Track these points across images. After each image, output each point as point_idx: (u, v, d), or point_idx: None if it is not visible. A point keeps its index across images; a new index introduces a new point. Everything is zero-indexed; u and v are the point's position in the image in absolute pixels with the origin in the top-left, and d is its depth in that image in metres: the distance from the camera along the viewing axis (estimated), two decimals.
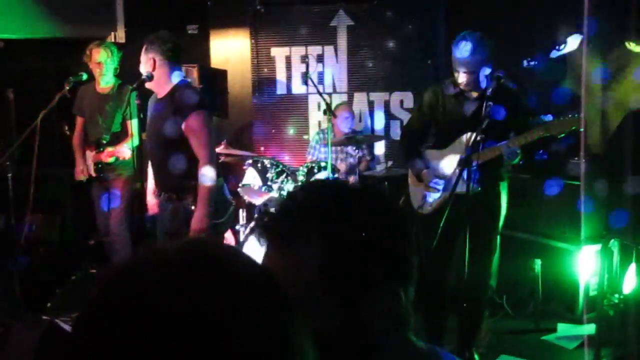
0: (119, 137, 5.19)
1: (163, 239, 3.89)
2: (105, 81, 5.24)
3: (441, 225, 3.36)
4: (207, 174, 3.60)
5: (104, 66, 5.15)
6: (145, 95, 4.09)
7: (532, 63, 5.85)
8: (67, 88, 4.91)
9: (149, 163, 4.14)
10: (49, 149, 5.23)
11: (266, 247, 1.07)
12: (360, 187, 1.22)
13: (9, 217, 5.02)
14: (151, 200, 4.12)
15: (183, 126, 3.63)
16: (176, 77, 3.74)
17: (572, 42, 5.52)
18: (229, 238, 6.23)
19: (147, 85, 3.71)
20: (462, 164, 3.74)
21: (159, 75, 3.68)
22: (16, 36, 6.37)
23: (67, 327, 3.69)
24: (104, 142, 5.04)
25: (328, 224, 1.04)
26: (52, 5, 6.37)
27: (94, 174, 5.25)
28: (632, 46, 4.90)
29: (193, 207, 3.66)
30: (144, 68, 3.66)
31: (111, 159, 5.03)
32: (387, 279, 1.05)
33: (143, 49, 3.69)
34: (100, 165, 5.17)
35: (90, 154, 5.25)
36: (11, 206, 5.01)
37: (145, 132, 4.17)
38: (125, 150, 4.98)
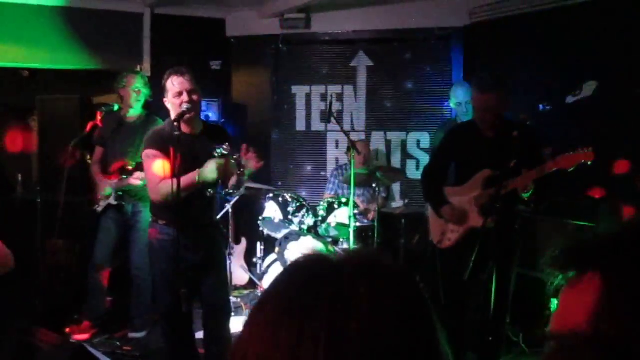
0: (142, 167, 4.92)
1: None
2: (136, 109, 5.19)
3: (472, 259, 3.46)
4: None
5: (141, 93, 5.14)
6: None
7: (548, 108, 6.00)
8: (100, 118, 5.03)
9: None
10: (74, 176, 5.26)
11: None
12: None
13: (35, 242, 5.14)
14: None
15: None
16: None
17: (588, 89, 5.67)
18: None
19: (186, 118, 3.63)
20: (483, 198, 3.91)
21: (198, 109, 3.76)
22: (42, 66, 6.53)
23: (94, 352, 3.74)
24: (130, 167, 4.95)
25: None
26: (80, 37, 6.54)
27: (113, 202, 5.16)
28: None
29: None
30: (187, 101, 3.62)
31: (140, 183, 4.84)
32: None
33: (189, 81, 3.65)
34: (121, 193, 5.12)
35: (110, 182, 5.15)
36: (38, 231, 5.14)
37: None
38: None
